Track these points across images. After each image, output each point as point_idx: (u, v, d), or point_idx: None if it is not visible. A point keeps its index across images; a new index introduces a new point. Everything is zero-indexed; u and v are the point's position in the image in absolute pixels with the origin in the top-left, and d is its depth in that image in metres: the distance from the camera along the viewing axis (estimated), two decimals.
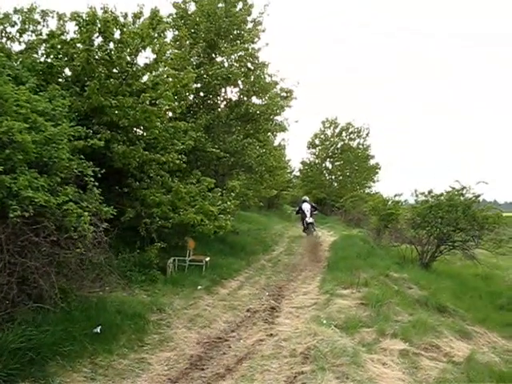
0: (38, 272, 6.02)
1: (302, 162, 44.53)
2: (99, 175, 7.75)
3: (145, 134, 10.97)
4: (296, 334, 6.81)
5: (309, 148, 44.38)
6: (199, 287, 10.06)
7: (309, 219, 18.35)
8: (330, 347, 6.05)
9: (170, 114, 12.28)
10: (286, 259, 16.00)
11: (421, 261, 15.49)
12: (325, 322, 7.45)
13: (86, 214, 6.60)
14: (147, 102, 9.90)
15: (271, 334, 7.06)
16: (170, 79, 10.99)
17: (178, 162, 11.18)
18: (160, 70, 11.12)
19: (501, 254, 16.08)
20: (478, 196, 15.24)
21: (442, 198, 15.53)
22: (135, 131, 10.99)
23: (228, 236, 15.85)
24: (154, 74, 10.86)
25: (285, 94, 17.02)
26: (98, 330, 6.44)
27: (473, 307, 11.54)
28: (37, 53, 9.78)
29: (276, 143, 24.73)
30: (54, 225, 6.26)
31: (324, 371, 5.34)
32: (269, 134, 17.94)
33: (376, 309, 8.25)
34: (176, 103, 11.64)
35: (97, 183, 7.58)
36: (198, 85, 15.44)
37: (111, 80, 9.58)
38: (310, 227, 18.35)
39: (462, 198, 15.14)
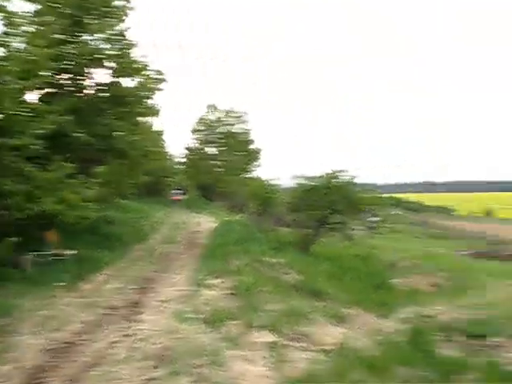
0: None
1: (187, 148, 43.84)
2: None
3: None
4: (154, 333, 6.23)
5: (193, 133, 43.72)
6: (59, 284, 9.18)
7: None
8: (189, 346, 5.53)
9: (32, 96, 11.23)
10: (162, 248, 15.31)
11: (299, 244, 15.33)
12: (189, 316, 6.91)
13: None
14: None
15: (127, 335, 6.40)
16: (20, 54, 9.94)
17: (35, 147, 10.16)
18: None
19: (378, 234, 16.39)
20: (353, 178, 15.33)
21: (320, 181, 15.46)
22: None
23: (101, 226, 14.95)
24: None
25: (156, 76, 16.19)
26: None
27: (351, 289, 11.52)
28: None
29: (154, 128, 24.00)
30: None
31: (178, 375, 4.81)
32: (141, 117, 17.07)
33: (246, 299, 7.81)
34: (25, 81, 10.47)
35: None
36: (63, 65, 14.30)
37: None
38: None
39: (338, 181, 15.15)
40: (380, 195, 17.07)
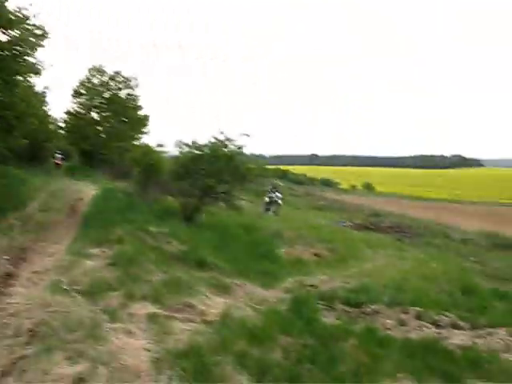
0: None
1: (67, 112, 41.68)
2: None
3: None
4: (27, 307, 5.75)
5: (74, 97, 41.55)
6: None
7: None
8: (65, 320, 5.16)
9: None
10: (40, 217, 14.43)
11: (183, 214, 14.99)
12: (66, 288, 6.49)
13: None
14: None
15: None
16: None
17: None
18: None
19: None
20: (241, 148, 15.12)
21: (206, 149, 15.12)
22: None
23: None
24: None
25: (37, 31, 15.06)
26: None
27: (234, 258, 11.42)
28: None
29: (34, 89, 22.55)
30: None
31: (51, 351, 4.45)
32: (18, 76, 15.87)
33: (127, 269, 7.46)
34: None
35: None
36: None
37: None
38: None
39: (225, 150, 14.89)
40: (267, 166, 17.05)
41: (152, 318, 5.72)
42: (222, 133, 15.15)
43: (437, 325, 8.32)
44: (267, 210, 22.94)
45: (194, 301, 6.69)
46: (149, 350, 4.86)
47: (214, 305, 6.91)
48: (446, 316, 8.65)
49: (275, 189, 24.25)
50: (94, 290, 6.46)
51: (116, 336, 5.03)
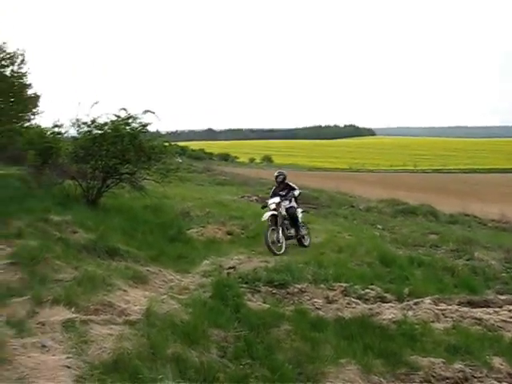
0: None
1: None
2: None
3: None
4: None
5: None
6: None
7: None
8: None
9: None
10: None
11: (86, 198, 13.93)
12: None
13: None
14: None
15: None
16: None
17: None
18: None
19: (168, 183, 15.59)
20: (146, 125, 14.24)
21: (107, 128, 14.09)
22: None
23: None
24: None
25: None
26: None
27: (145, 244, 10.78)
28: None
29: None
30: None
31: None
32: None
33: (31, 268, 6.54)
34: None
35: None
36: None
37: None
38: None
39: (128, 128, 13.95)
40: (170, 143, 16.22)
41: (68, 325, 4.92)
42: (123, 109, 14.18)
43: (364, 299, 8.21)
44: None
45: (113, 298, 5.98)
46: (68, 367, 4.14)
47: (134, 300, 6.27)
48: (372, 289, 8.58)
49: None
50: None
51: (28, 354, 4.23)
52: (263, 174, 43.11)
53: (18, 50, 39.37)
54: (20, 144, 20.74)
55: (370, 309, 7.67)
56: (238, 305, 6.76)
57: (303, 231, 13.06)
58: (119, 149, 13.66)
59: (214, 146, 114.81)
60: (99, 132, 14.13)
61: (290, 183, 13.66)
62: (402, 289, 8.73)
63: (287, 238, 12.45)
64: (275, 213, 12.46)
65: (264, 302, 7.47)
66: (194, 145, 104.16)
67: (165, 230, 12.84)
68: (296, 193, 13.41)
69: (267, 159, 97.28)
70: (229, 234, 13.90)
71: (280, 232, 12.23)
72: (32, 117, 40.13)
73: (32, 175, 16.42)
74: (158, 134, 16.23)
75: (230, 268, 9.70)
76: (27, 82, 39.27)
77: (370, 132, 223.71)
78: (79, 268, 6.88)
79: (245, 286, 8.21)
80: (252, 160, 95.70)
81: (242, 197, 26.16)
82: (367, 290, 8.52)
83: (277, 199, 12.80)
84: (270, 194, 13.77)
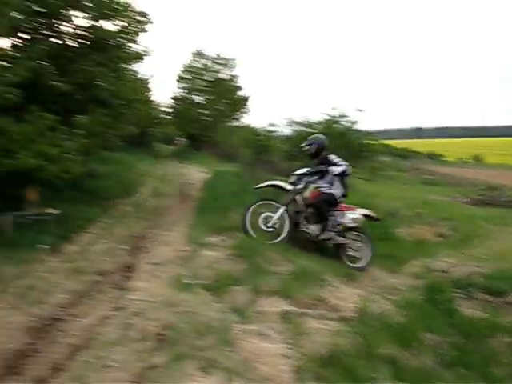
0: None
1: (173, 98, 42.72)
2: None
3: None
4: (151, 305, 5.36)
5: (179, 82, 42.45)
6: (41, 246, 8.33)
7: None
8: (193, 322, 4.72)
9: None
10: (151, 202, 14.43)
11: None
12: (189, 282, 6.09)
13: None
14: None
15: (119, 308, 5.53)
16: None
17: (9, 96, 9.18)
18: None
19: (374, 181, 15.53)
20: (355, 123, 14.38)
21: (319, 126, 14.48)
22: None
23: (85, 181, 14.03)
24: None
25: (140, 18, 14.94)
26: None
27: None
28: None
29: (139, 76, 22.85)
30: None
31: (182, 360, 4.03)
32: (124, 64, 15.88)
33: (250, 259, 6.91)
34: None
35: None
36: (37, 8, 13.08)
37: None
38: None
39: (339, 126, 14.19)
40: (377, 141, 16.12)
41: (284, 316, 5.14)
42: (334, 108, 14.46)
43: None
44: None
45: (325, 293, 6.09)
46: (288, 357, 4.32)
47: (346, 297, 6.30)
48: None
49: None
50: (219, 284, 5.96)
51: (249, 340, 4.50)
52: (474, 174, 40.74)
53: (232, 55, 42.55)
54: (232, 142, 22.02)
55: None
56: (451, 310, 6.44)
57: (344, 241, 9.23)
58: (330, 147, 13.93)
59: (420, 145, 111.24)
60: (311, 131, 14.54)
61: (332, 156, 9.37)
62: None
63: (310, 234, 9.07)
64: (280, 184, 9.25)
65: (478, 310, 7.04)
66: (399, 143, 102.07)
67: (372, 228, 12.75)
68: (335, 169, 9.09)
69: (477, 158, 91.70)
70: (438, 235, 13.37)
71: (285, 214, 8.78)
72: (241, 116, 42.94)
73: (246, 171, 17.42)
74: (365, 133, 16.20)
75: (440, 271, 9.33)
76: (239, 85, 42.16)
77: None
78: (294, 262, 7.08)
79: (457, 291, 7.81)
80: (460, 159, 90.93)
81: (452, 198, 25.01)
82: None
83: (302, 170, 9.29)
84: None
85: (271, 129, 16.93)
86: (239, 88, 42.26)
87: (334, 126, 14.25)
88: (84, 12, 13.96)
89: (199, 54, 41.65)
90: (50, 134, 9.99)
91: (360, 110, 14.22)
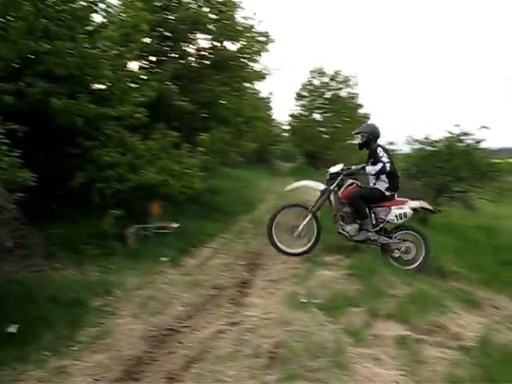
0: None
1: (291, 115, 43.12)
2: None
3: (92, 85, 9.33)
4: (265, 322, 5.39)
5: (297, 100, 42.83)
6: (162, 259, 8.70)
7: None
8: (306, 342, 4.68)
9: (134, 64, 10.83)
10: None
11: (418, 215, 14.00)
12: (303, 301, 6.06)
13: None
14: (86, 45, 8.30)
15: (234, 323, 5.61)
16: (117, 19, 9.42)
17: (138, 115, 9.72)
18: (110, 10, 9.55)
19: (501, 203, 14.75)
20: (480, 142, 13.72)
21: (440, 145, 14.03)
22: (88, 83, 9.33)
23: (204, 196, 14.45)
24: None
25: (261, 38, 15.28)
26: (14, 330, 5.08)
27: (476, 266, 10.19)
28: None
29: (259, 94, 23.33)
30: None
31: (294, 381, 3.99)
32: (246, 83, 16.31)
33: (366, 281, 6.75)
34: (124, 48, 9.89)
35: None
36: (165, 32, 13.79)
37: (42, 20, 7.88)
38: None
39: (462, 145, 13.65)
40: (506, 160, 15.28)
41: (400, 341, 4.93)
42: (457, 126, 13.92)
43: None
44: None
45: (445, 320, 5.77)
46: None
47: (467, 325, 5.94)
48: None
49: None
50: (334, 305, 5.85)
51: (363, 364, 4.36)
52: None
53: (352, 73, 42.20)
54: (353, 160, 21.77)
55: None
56: None
57: (387, 240, 8.34)
58: (452, 166, 13.45)
59: None
60: (432, 149, 14.11)
61: (380, 149, 8.42)
62: None
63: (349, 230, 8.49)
64: (312, 185, 8.99)
65: None
66: None
67: (498, 252, 12.05)
68: (371, 169, 8.29)
69: None
70: None
71: (312, 220, 8.56)
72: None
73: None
74: (491, 151, 15.43)
75: None
76: (359, 103, 41.74)
77: None
78: (412, 285, 6.83)
79: None
80: None
81: None
82: None
83: (338, 167, 8.67)
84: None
85: (390, 147, 16.56)
86: (360, 106, 41.87)
87: (456, 144, 13.68)
88: (208, 34, 14.54)
89: (318, 72, 41.75)
90: (174, 151, 10.43)
91: (485, 127, 13.53)
